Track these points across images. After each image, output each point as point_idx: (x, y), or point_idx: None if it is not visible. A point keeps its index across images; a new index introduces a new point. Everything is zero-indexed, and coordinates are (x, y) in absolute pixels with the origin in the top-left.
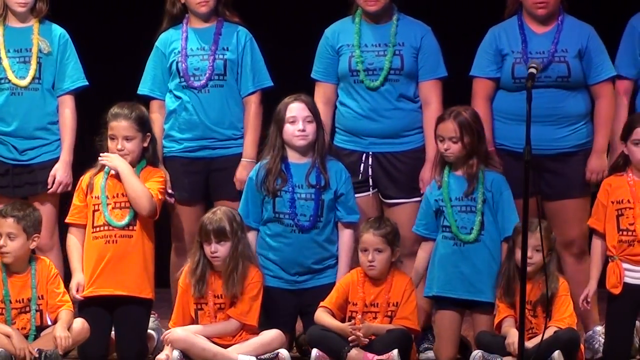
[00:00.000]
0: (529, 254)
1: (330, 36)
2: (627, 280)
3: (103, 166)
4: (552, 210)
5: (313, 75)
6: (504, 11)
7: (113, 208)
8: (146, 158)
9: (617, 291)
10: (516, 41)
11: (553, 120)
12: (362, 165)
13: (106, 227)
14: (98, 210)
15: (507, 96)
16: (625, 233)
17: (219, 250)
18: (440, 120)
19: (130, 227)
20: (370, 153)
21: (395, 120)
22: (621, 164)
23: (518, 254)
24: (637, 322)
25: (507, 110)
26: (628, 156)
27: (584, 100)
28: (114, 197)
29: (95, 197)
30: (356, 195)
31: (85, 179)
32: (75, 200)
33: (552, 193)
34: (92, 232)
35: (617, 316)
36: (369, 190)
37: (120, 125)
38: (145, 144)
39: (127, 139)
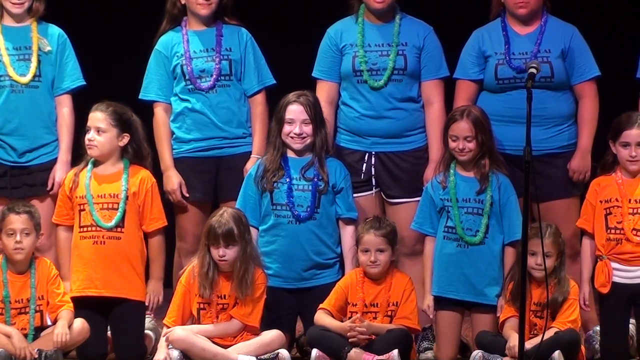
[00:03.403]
0: (539, 260)
1: (333, 35)
2: (616, 279)
3: (87, 164)
4: (541, 212)
5: (315, 74)
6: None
7: (101, 209)
8: (127, 158)
9: (605, 290)
10: (499, 42)
11: (537, 121)
12: (365, 164)
13: (93, 228)
14: (84, 210)
15: (491, 97)
16: (613, 231)
17: (227, 254)
18: (452, 120)
19: (119, 229)
20: (373, 153)
21: (398, 120)
22: (610, 162)
23: (530, 260)
24: (632, 321)
25: (491, 112)
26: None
27: (567, 102)
28: (99, 196)
29: (81, 197)
30: (358, 194)
31: (69, 176)
32: (59, 201)
33: (540, 194)
34: (80, 232)
35: (610, 315)
36: (371, 190)
37: (94, 116)
38: (121, 143)
39: (99, 130)
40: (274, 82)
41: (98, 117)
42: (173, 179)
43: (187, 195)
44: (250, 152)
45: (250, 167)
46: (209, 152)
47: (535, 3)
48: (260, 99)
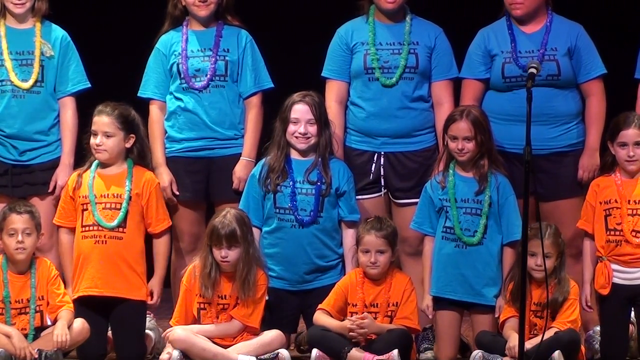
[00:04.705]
0: (538, 261)
1: (344, 34)
2: (616, 280)
3: (90, 164)
4: (546, 211)
5: (324, 73)
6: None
7: (103, 208)
8: (131, 158)
9: (605, 292)
10: (505, 41)
11: (544, 119)
12: (374, 165)
13: (95, 227)
14: (87, 209)
15: (498, 96)
16: (612, 233)
17: (229, 255)
18: (451, 120)
19: (120, 229)
20: (382, 153)
21: (407, 119)
22: (609, 163)
23: (530, 261)
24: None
25: (497, 111)
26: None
27: (574, 100)
28: (102, 196)
29: (84, 197)
30: (367, 196)
31: (72, 177)
32: (61, 202)
33: (546, 194)
34: (82, 231)
35: (610, 316)
36: (380, 191)
37: (101, 120)
38: (128, 145)
39: (107, 135)
40: (272, 85)
41: (105, 122)
42: (164, 177)
43: (177, 193)
44: (241, 154)
45: (240, 169)
46: (200, 153)
47: (530, 4)
48: (255, 101)
